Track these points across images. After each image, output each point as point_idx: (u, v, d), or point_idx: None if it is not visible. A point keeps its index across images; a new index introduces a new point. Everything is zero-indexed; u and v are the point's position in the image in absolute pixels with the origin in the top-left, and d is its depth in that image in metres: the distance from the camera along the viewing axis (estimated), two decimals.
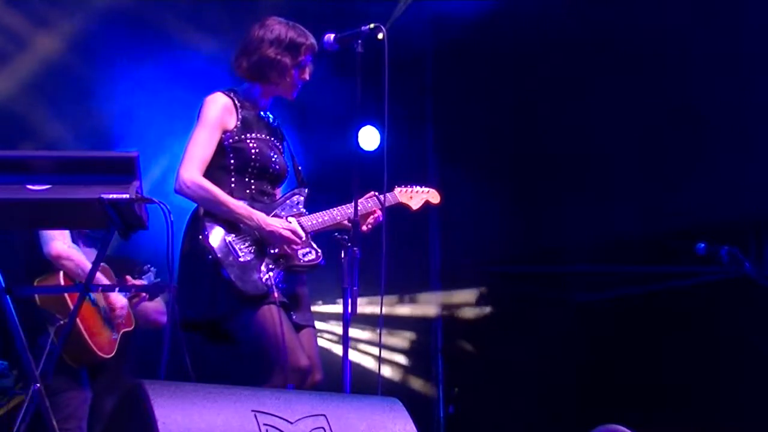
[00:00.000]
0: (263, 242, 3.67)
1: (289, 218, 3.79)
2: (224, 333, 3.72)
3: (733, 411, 6.11)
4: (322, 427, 2.86)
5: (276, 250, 3.68)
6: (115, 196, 3.27)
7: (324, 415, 2.89)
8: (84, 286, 3.64)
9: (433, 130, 7.46)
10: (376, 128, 6.79)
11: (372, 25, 3.69)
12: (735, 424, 6.04)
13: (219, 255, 3.59)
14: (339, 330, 6.71)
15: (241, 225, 3.66)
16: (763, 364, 5.98)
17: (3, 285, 3.63)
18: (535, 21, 6.61)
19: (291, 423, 2.81)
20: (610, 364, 6.75)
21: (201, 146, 3.72)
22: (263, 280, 3.61)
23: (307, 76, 3.88)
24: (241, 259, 3.61)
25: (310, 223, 3.82)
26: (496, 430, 6.67)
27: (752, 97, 6.14)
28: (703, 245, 4.84)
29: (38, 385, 3.57)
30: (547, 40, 6.55)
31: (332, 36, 3.81)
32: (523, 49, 6.65)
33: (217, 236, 3.63)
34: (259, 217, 3.68)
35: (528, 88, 6.64)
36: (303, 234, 3.75)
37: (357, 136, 3.80)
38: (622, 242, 6.45)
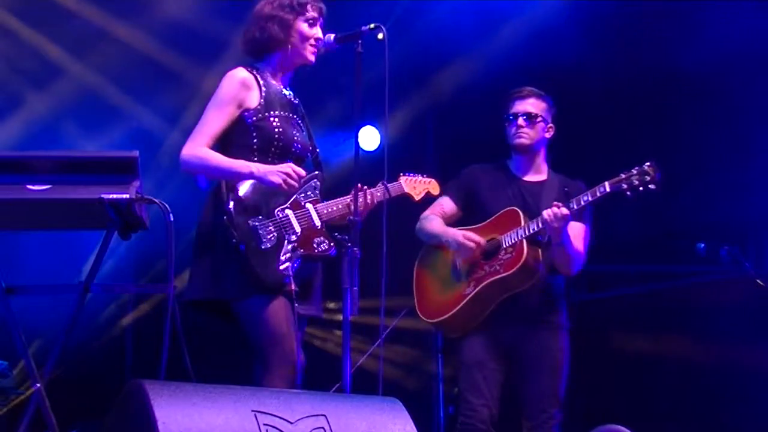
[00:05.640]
0: (283, 230, 3.63)
1: (307, 204, 3.75)
2: (230, 313, 3.67)
3: (733, 410, 6.11)
4: (323, 427, 2.86)
5: (294, 237, 3.65)
6: (115, 196, 3.27)
7: (324, 415, 2.88)
8: (85, 285, 3.64)
9: (433, 129, 7.46)
10: (376, 128, 6.81)
11: (372, 25, 3.66)
12: (735, 423, 6.05)
13: (243, 239, 3.54)
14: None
15: (248, 197, 3.60)
16: (763, 363, 5.98)
17: (3, 285, 3.64)
18: (534, 22, 6.62)
19: (291, 423, 2.81)
20: (610, 364, 6.75)
21: (208, 123, 3.67)
22: (281, 269, 3.58)
23: (319, 35, 3.79)
24: (263, 246, 3.57)
25: (325, 211, 3.77)
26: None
27: (753, 96, 6.15)
28: (703, 245, 4.84)
29: (38, 384, 3.57)
30: (544, 39, 6.55)
31: (332, 36, 3.79)
32: (524, 49, 6.66)
33: (241, 219, 3.57)
34: (258, 167, 3.63)
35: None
36: (303, 172, 3.69)
37: (357, 136, 3.76)
38: (622, 242, 6.45)
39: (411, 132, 7.13)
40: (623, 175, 4.09)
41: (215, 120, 3.68)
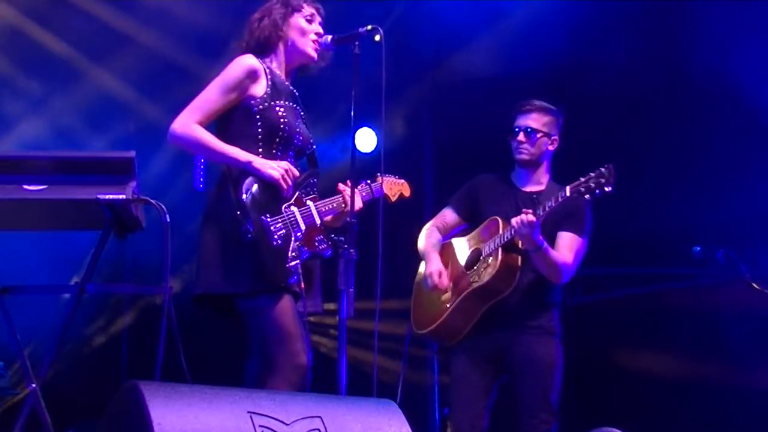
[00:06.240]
0: (290, 227, 3.60)
1: (308, 201, 3.74)
2: (232, 310, 3.64)
3: (726, 412, 6.12)
4: (318, 429, 2.86)
5: (300, 234, 3.62)
6: (111, 196, 3.28)
7: (319, 417, 2.88)
8: (81, 285, 3.63)
9: (431, 131, 7.48)
10: (373, 130, 6.81)
11: (369, 27, 3.67)
12: (729, 424, 6.06)
13: (257, 236, 3.51)
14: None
15: (248, 188, 3.56)
16: (757, 365, 6.00)
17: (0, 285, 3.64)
18: (534, 22, 6.64)
19: (286, 425, 2.81)
20: (605, 366, 6.76)
21: (207, 101, 3.64)
22: (290, 266, 3.55)
23: (319, 30, 3.82)
24: (274, 243, 3.54)
25: (323, 209, 3.77)
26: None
27: (750, 100, 6.17)
28: (699, 248, 4.85)
29: (33, 385, 3.57)
30: (543, 40, 6.57)
31: (329, 37, 3.81)
32: (523, 49, 6.68)
33: (254, 214, 3.54)
34: (257, 158, 3.61)
35: (528, 89, 6.65)
36: (297, 173, 3.69)
37: (354, 138, 3.77)
38: (617, 244, 6.46)
39: (408, 133, 7.14)
40: (582, 179, 4.12)
41: (214, 100, 3.65)
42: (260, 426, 2.76)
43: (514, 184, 4.52)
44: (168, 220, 3.38)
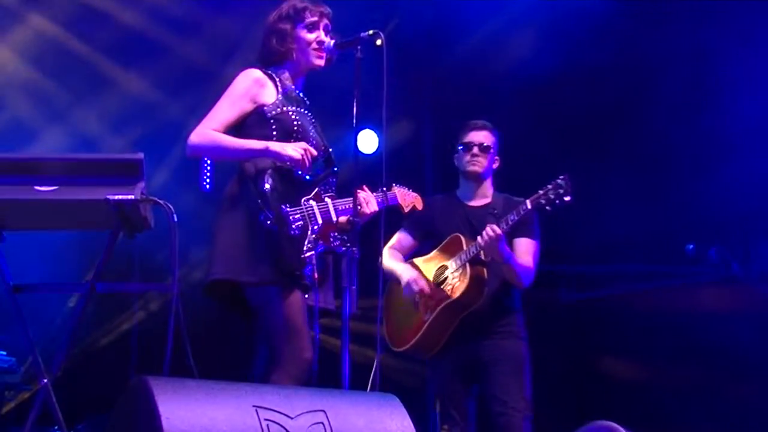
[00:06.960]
0: (307, 220, 3.67)
1: (326, 198, 3.80)
2: (245, 300, 3.70)
3: (717, 408, 6.16)
4: (322, 422, 2.90)
5: (316, 227, 3.68)
6: (120, 197, 3.35)
7: (323, 411, 2.93)
8: (91, 284, 3.70)
9: (431, 133, 7.52)
10: (375, 131, 6.87)
11: (371, 32, 3.73)
12: (721, 421, 6.09)
13: (276, 223, 3.57)
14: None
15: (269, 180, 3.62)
16: (749, 361, 6.02)
17: (11, 283, 3.71)
18: (534, 25, 6.67)
19: (291, 418, 2.86)
20: (600, 363, 6.80)
21: (220, 111, 3.72)
22: (305, 256, 3.62)
23: (323, 38, 3.87)
24: (292, 233, 3.60)
25: (340, 208, 3.82)
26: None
27: (741, 100, 6.21)
28: (692, 246, 4.92)
29: (45, 380, 3.64)
30: (543, 44, 6.61)
31: (332, 42, 3.87)
32: (522, 51, 6.72)
33: (276, 204, 3.61)
34: (272, 143, 3.67)
35: (526, 92, 6.70)
36: (315, 152, 3.75)
37: (356, 140, 3.84)
38: (611, 242, 6.49)
39: (408, 134, 7.20)
40: (541, 192, 4.33)
41: (227, 110, 3.73)
42: (265, 419, 2.80)
43: (461, 200, 4.70)
44: (176, 219, 3.44)
